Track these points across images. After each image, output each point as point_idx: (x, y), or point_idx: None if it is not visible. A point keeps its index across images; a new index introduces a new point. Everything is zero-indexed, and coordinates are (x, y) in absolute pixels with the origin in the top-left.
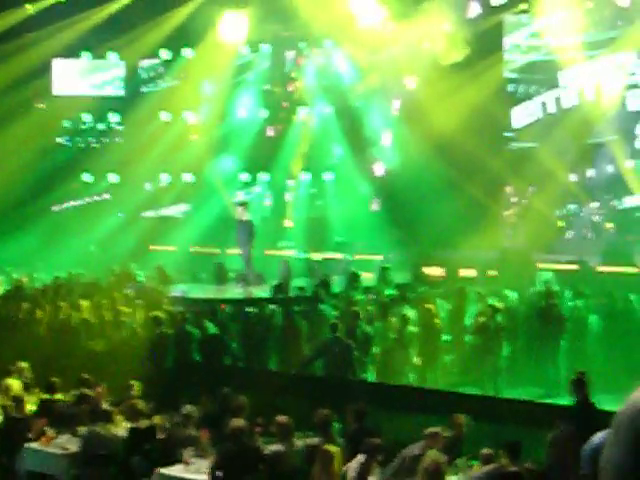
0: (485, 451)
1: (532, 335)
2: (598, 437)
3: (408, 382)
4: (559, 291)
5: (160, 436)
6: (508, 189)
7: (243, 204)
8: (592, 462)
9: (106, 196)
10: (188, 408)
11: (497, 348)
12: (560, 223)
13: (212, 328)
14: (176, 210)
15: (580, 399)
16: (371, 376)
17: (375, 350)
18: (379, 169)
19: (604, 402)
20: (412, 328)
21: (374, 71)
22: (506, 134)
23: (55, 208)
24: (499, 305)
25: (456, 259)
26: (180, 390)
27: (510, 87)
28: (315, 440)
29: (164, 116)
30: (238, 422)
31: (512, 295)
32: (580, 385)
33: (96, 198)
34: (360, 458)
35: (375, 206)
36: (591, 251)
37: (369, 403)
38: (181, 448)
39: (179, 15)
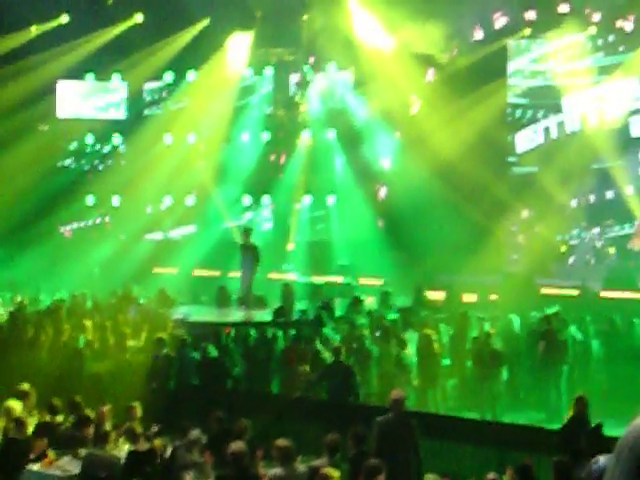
0: (491, 476)
1: (534, 360)
2: (602, 460)
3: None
4: (561, 316)
5: (160, 459)
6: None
7: (247, 230)
8: None
9: (108, 219)
10: (195, 433)
11: (494, 374)
12: (562, 248)
13: (213, 351)
14: (183, 232)
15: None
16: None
17: (375, 373)
18: (382, 193)
19: (607, 427)
20: (411, 352)
21: (377, 95)
22: (509, 159)
23: (62, 229)
24: (492, 331)
25: (458, 283)
26: (182, 413)
27: (513, 112)
28: (318, 462)
29: (167, 139)
30: (237, 445)
31: (514, 320)
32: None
33: (99, 220)
34: None
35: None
36: (593, 276)
37: (370, 427)
38: (182, 471)
39: (183, 38)
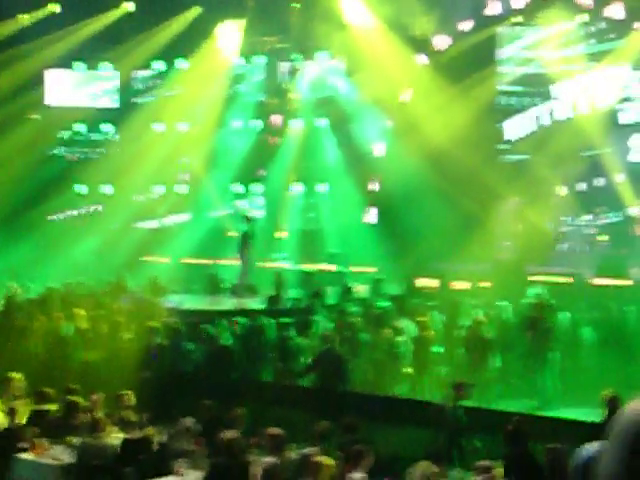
0: (482, 463)
1: (525, 347)
2: (588, 450)
3: (399, 394)
4: (551, 303)
5: (154, 447)
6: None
7: (250, 218)
8: (582, 475)
9: (99, 207)
10: (188, 422)
11: (484, 361)
12: (554, 235)
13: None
14: (177, 220)
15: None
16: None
17: (367, 361)
18: (373, 181)
19: (598, 414)
20: (403, 340)
21: (368, 83)
22: (500, 146)
23: (51, 218)
24: (482, 318)
25: (449, 271)
26: (175, 401)
27: (504, 99)
28: (310, 450)
29: (158, 127)
30: (230, 434)
31: (505, 307)
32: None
33: (90, 209)
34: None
35: (372, 218)
36: (585, 264)
37: (361, 415)
38: (175, 459)
39: (173, 26)
